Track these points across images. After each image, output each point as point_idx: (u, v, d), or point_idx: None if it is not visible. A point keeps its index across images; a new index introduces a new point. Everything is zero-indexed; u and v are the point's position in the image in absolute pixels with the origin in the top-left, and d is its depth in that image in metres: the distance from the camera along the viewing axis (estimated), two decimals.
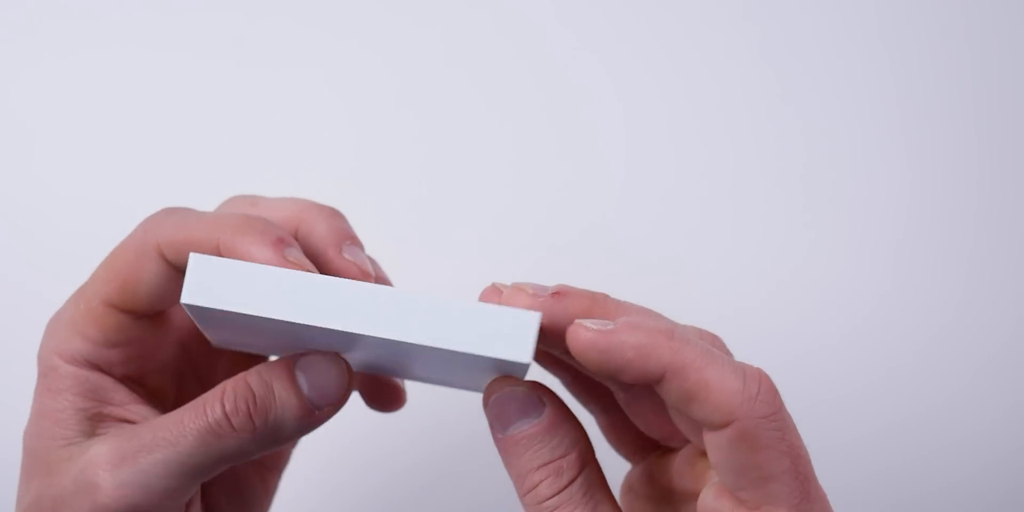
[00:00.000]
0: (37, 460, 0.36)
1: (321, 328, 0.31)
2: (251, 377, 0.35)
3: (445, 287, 0.53)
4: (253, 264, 0.31)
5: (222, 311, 0.31)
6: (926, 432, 0.56)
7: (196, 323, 0.35)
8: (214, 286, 0.31)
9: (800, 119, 0.59)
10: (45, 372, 0.37)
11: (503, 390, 0.35)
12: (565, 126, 0.58)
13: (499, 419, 0.34)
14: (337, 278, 0.31)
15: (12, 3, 0.59)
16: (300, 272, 0.31)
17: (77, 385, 0.37)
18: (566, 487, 0.34)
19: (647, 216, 0.57)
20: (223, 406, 0.35)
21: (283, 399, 0.35)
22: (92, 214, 0.56)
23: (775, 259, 0.57)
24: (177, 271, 0.36)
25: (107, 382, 0.37)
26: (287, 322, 0.31)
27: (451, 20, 0.60)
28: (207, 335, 0.37)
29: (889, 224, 0.58)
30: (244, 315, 0.31)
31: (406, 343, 0.31)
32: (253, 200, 0.40)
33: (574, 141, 0.58)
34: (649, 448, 0.40)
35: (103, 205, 0.56)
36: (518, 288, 0.34)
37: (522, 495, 0.34)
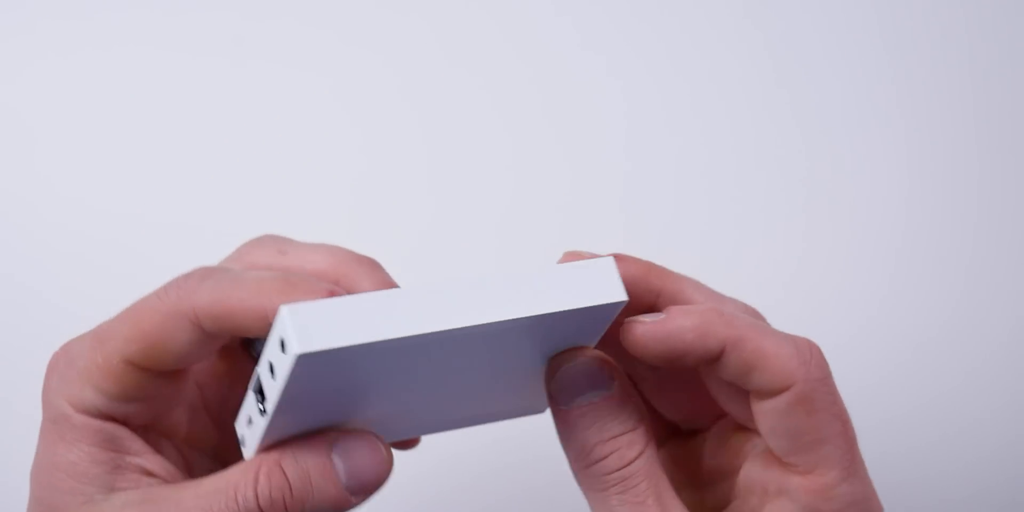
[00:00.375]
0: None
1: (429, 341, 0.30)
2: (286, 463, 0.33)
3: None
4: (348, 296, 0.30)
5: (337, 350, 0.29)
6: (922, 428, 0.56)
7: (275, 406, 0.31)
8: (320, 328, 0.29)
9: (800, 122, 0.59)
10: (56, 419, 0.35)
11: (572, 362, 0.34)
12: (563, 128, 0.58)
13: (566, 391, 0.34)
14: (423, 285, 0.30)
15: (11, 3, 0.59)
16: (394, 289, 0.31)
17: (93, 435, 0.35)
18: (635, 460, 0.34)
19: (646, 217, 0.57)
20: (256, 494, 0.33)
21: (320, 490, 0.33)
22: (92, 215, 0.56)
23: (774, 260, 0.57)
24: (210, 336, 0.34)
25: (123, 432, 0.36)
26: (397, 344, 0.30)
27: (455, 19, 0.60)
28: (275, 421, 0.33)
29: (888, 226, 0.58)
30: (357, 351, 0.29)
31: (496, 335, 0.31)
32: (281, 247, 0.38)
33: (572, 142, 0.58)
34: (665, 437, 0.40)
35: (103, 206, 0.56)
36: (576, 253, 0.35)
37: (583, 467, 0.34)
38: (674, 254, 0.59)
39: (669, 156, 0.59)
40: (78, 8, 0.59)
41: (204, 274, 0.34)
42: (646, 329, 0.33)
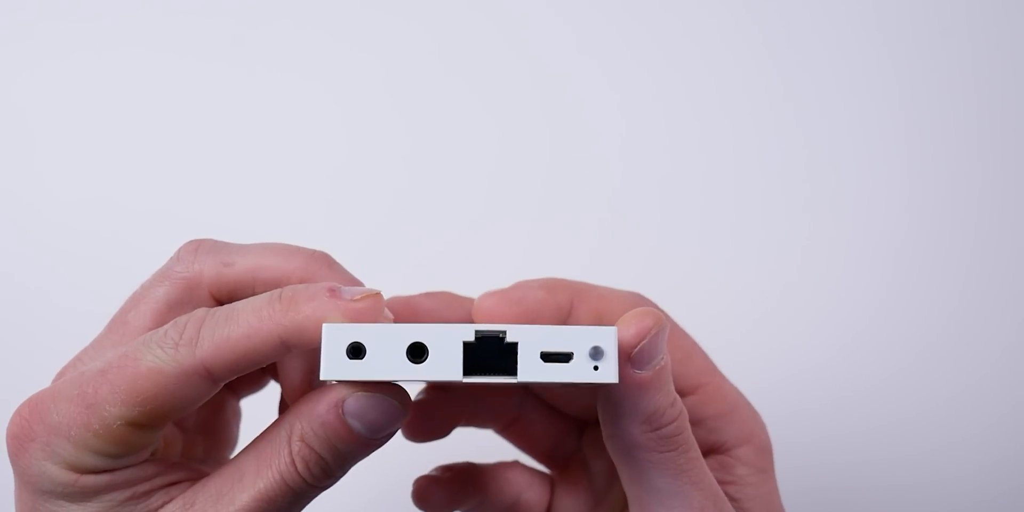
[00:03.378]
0: None
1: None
2: (312, 440, 0.34)
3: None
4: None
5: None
6: (922, 434, 0.56)
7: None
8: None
9: (799, 125, 0.59)
10: (50, 488, 0.34)
11: (653, 327, 0.33)
12: (560, 128, 0.58)
13: (646, 355, 0.33)
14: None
15: (11, 5, 0.59)
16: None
17: (105, 487, 0.34)
18: (686, 421, 0.34)
19: (644, 218, 0.57)
20: (300, 476, 0.34)
21: (349, 450, 0.34)
22: (91, 216, 0.56)
23: (772, 262, 0.57)
24: (218, 383, 0.34)
25: (130, 472, 0.35)
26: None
27: (452, 20, 0.60)
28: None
29: (888, 230, 0.58)
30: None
31: None
32: (224, 259, 0.36)
33: (570, 143, 0.58)
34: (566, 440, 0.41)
35: (102, 207, 0.56)
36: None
37: (652, 430, 0.34)
38: (672, 257, 0.59)
39: (668, 155, 0.59)
40: (77, 11, 0.59)
41: (194, 322, 0.33)
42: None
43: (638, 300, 0.37)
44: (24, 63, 0.58)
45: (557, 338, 0.31)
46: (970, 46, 0.60)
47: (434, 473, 0.41)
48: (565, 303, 0.36)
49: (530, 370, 0.31)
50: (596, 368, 0.30)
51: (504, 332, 0.31)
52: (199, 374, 0.33)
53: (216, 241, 0.38)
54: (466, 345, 0.31)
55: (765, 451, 0.37)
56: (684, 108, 0.59)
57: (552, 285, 0.37)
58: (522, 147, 0.58)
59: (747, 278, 0.57)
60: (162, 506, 0.34)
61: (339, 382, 0.33)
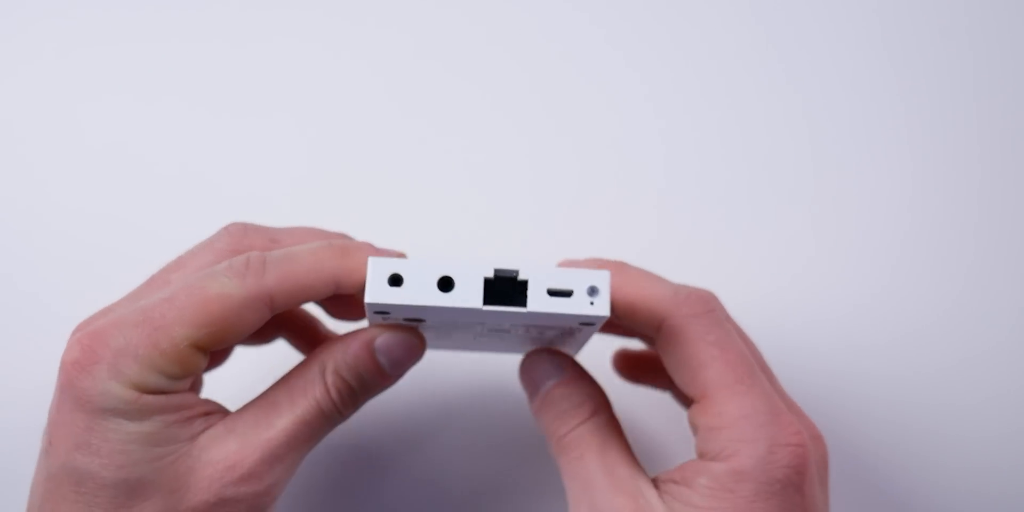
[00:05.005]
0: (145, 483, 0.37)
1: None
2: (344, 372, 0.40)
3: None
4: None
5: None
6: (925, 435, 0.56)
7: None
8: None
9: (806, 117, 0.59)
10: (113, 407, 0.37)
11: (533, 359, 0.44)
12: (562, 127, 0.58)
13: (532, 382, 0.43)
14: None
15: (8, 6, 0.59)
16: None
17: (161, 408, 0.37)
18: (572, 429, 0.41)
19: (644, 215, 0.57)
20: (332, 401, 0.40)
21: (374, 382, 0.41)
22: (91, 217, 0.56)
23: (771, 261, 0.57)
24: (271, 312, 0.39)
25: (181, 396, 0.38)
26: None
27: (463, 15, 0.60)
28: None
29: (890, 227, 0.58)
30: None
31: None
32: (270, 235, 0.42)
33: (570, 143, 0.58)
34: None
35: (103, 208, 0.56)
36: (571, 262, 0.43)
37: (548, 440, 0.42)
38: (674, 251, 0.59)
39: (667, 154, 0.59)
40: (74, 9, 0.59)
41: (258, 260, 0.38)
42: None
43: (674, 293, 0.41)
44: (19, 63, 0.58)
45: (561, 278, 0.36)
46: (970, 48, 0.60)
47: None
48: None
49: (538, 303, 0.36)
50: (592, 303, 0.36)
51: (518, 271, 0.36)
52: (263, 301, 0.38)
53: (257, 224, 0.43)
54: (486, 280, 0.36)
55: (744, 475, 0.37)
56: (683, 108, 0.59)
57: (597, 263, 0.43)
58: (523, 150, 0.58)
59: (742, 280, 0.57)
60: (204, 430, 0.38)
61: (371, 325, 0.41)
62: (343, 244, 0.39)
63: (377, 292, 0.36)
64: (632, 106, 0.59)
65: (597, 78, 0.59)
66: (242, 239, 0.41)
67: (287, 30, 0.59)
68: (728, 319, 0.41)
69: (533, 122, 0.58)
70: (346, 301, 0.44)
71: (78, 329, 0.39)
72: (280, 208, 0.55)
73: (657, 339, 0.40)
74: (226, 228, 0.42)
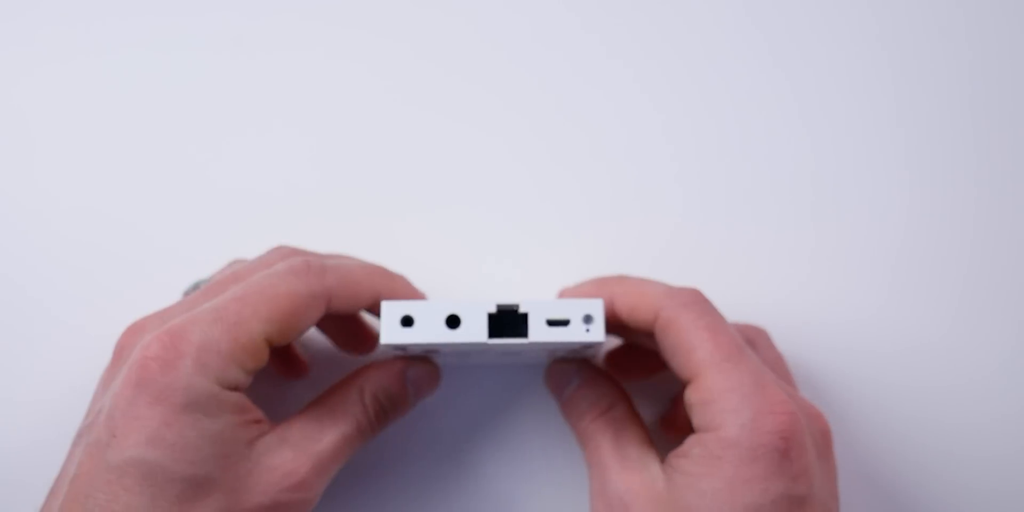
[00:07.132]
0: (211, 481, 0.38)
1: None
2: (381, 396, 0.45)
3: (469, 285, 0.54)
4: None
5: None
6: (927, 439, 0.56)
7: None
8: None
9: (804, 120, 0.59)
10: (195, 400, 0.38)
11: (556, 370, 0.49)
12: (558, 131, 0.58)
13: (557, 385, 0.49)
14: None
15: (11, 9, 0.59)
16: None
17: (233, 405, 0.40)
18: (590, 422, 0.46)
19: (642, 219, 0.57)
20: (367, 418, 0.44)
21: (402, 407, 0.46)
22: (91, 220, 0.56)
23: (772, 264, 0.57)
24: (324, 313, 0.43)
25: (243, 396, 0.41)
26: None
27: (465, 16, 0.60)
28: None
29: (888, 234, 0.58)
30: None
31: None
32: (320, 263, 0.44)
33: (569, 144, 0.58)
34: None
35: (103, 210, 0.56)
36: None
37: (575, 436, 0.47)
38: (673, 258, 0.59)
39: (668, 154, 0.59)
40: (75, 13, 0.59)
41: (317, 263, 0.42)
42: None
43: (667, 291, 0.44)
44: (23, 67, 0.58)
45: (558, 309, 0.40)
46: (969, 48, 0.60)
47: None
48: (608, 295, 0.45)
49: (538, 333, 0.39)
50: (588, 330, 0.39)
51: (518, 305, 0.39)
52: (324, 299, 0.42)
53: (292, 247, 0.46)
54: (490, 316, 0.39)
55: (731, 441, 0.39)
56: (684, 108, 0.59)
57: (598, 282, 0.47)
58: (519, 156, 0.58)
59: (742, 284, 0.57)
60: (259, 437, 0.40)
61: (397, 358, 0.45)
62: (386, 268, 0.45)
63: (391, 333, 0.39)
64: (634, 114, 0.59)
65: (599, 88, 0.59)
66: (291, 256, 0.45)
67: (289, 40, 0.59)
68: (717, 310, 0.44)
69: (534, 129, 0.58)
70: (362, 337, 0.49)
71: (133, 330, 0.41)
72: (281, 217, 0.55)
73: (655, 332, 0.43)
74: (276, 248, 0.45)
